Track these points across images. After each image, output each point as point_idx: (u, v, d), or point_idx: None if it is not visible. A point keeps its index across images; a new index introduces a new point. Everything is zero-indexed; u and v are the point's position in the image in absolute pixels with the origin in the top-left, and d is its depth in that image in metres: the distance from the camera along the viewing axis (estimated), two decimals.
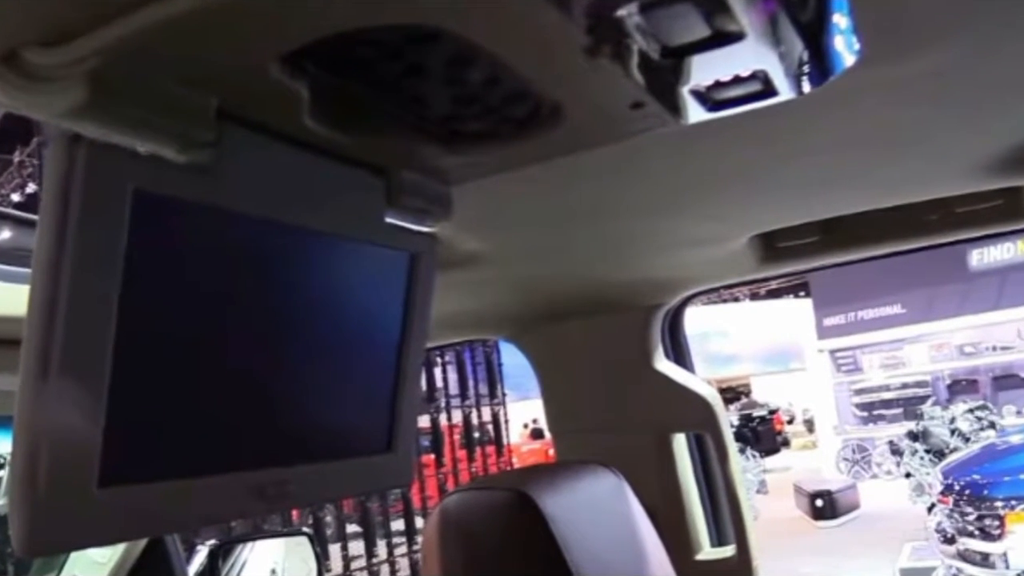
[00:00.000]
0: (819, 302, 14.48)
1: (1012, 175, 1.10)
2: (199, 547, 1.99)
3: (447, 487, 7.49)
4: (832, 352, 14.81)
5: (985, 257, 12.93)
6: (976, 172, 1.08)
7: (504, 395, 8.50)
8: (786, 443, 17.43)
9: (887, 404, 14.39)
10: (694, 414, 1.59)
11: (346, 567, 6.91)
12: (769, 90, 0.70)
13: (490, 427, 8.59)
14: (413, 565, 7.31)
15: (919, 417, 11.65)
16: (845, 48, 0.69)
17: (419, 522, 7.48)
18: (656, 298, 1.62)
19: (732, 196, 1.10)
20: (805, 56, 0.69)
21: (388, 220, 0.77)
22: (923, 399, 13.35)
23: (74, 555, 2.12)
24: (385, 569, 7.23)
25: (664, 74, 0.66)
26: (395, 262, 0.80)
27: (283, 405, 0.71)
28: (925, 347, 14.21)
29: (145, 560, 1.97)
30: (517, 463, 10.74)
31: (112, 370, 0.55)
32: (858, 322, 14.16)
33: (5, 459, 1.61)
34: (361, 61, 0.62)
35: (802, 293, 16.20)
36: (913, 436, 11.20)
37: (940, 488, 6.89)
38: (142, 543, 1.96)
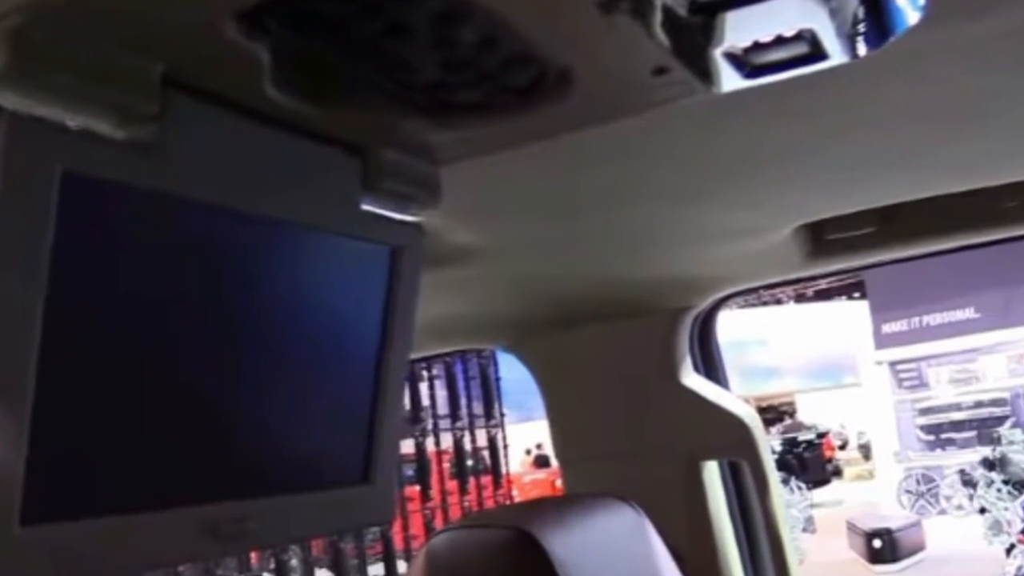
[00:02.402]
0: (877, 305, 14.47)
1: None
2: None
3: (435, 525, 7.49)
4: (892, 364, 14.80)
5: None
6: None
7: (502, 415, 8.51)
8: (837, 472, 17.44)
9: (958, 426, 14.37)
10: (728, 438, 1.59)
11: None
12: (817, 53, 0.70)
13: (486, 453, 8.60)
14: None
15: (996, 442, 11.65)
16: (906, 4, 0.69)
17: (402, 566, 7.48)
18: (683, 300, 1.62)
19: (773, 179, 1.10)
20: (860, 13, 0.69)
21: (365, 207, 0.77)
22: (1000, 420, 13.35)
23: None
24: None
25: (692, 34, 0.66)
26: (373, 257, 0.81)
27: (241, 428, 0.71)
28: (1003, 358, 14.21)
29: None
30: (518, 496, 10.74)
31: (36, 388, 0.55)
32: (923, 329, 14.16)
33: None
34: (332, 19, 0.62)
35: (856, 294, 16.18)
36: (989, 464, 11.21)
37: (1021, 526, 6.90)
38: None
